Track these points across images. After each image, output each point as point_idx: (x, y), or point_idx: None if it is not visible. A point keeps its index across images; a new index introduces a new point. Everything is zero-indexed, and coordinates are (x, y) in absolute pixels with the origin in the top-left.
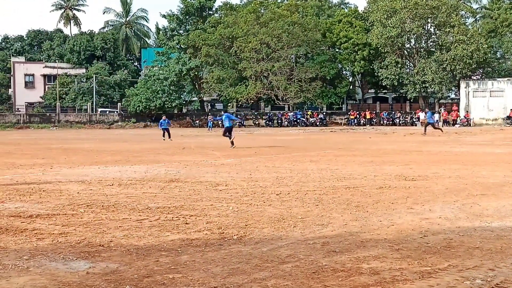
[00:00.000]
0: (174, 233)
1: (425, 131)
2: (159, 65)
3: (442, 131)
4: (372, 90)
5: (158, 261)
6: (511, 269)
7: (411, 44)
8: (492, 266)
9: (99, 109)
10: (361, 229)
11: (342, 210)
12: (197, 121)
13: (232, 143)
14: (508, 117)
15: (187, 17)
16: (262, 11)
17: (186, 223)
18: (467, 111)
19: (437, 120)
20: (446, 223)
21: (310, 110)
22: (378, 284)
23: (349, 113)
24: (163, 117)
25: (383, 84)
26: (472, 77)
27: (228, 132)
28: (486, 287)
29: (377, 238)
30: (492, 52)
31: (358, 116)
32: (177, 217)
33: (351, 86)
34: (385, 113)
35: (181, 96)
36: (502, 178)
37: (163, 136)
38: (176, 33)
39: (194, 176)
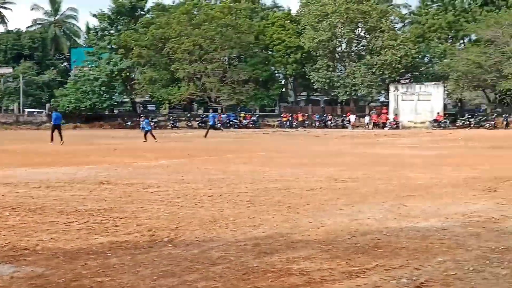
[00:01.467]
0: (103, 236)
1: (146, 138)
2: (90, 66)
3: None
4: (305, 93)
5: (86, 264)
6: (435, 268)
7: (342, 48)
8: (417, 265)
9: (27, 110)
10: (292, 230)
11: (274, 211)
12: (128, 123)
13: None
14: (435, 120)
15: (118, 17)
16: (195, 12)
17: (116, 226)
18: (396, 114)
19: (367, 123)
20: (374, 223)
21: (243, 112)
22: (307, 285)
23: (281, 115)
24: (143, 117)
25: (315, 87)
26: (400, 81)
27: (215, 128)
28: (411, 286)
29: (308, 239)
30: (420, 57)
31: (290, 118)
32: (106, 219)
33: (283, 89)
34: (317, 115)
35: (112, 97)
36: (428, 179)
37: (145, 137)
38: (107, 33)
39: (125, 178)
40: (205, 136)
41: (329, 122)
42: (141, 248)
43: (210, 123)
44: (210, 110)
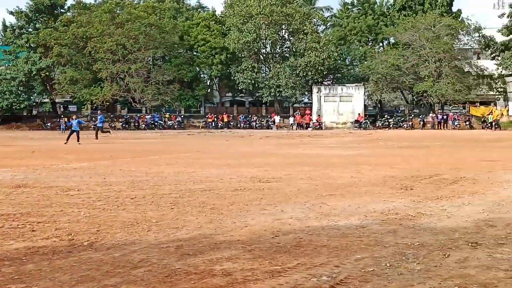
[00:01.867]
0: (19, 241)
1: (96, 137)
2: (6, 65)
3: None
4: (230, 94)
5: (0, 271)
6: (354, 265)
7: (267, 50)
8: (337, 263)
9: None
10: (215, 231)
11: (197, 212)
12: (48, 124)
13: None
14: (356, 121)
15: (37, 14)
16: (118, 11)
17: (33, 231)
18: (319, 115)
19: (291, 124)
20: (296, 223)
21: (168, 113)
22: (230, 285)
23: (207, 116)
24: (73, 117)
25: (240, 88)
26: (323, 82)
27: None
28: (331, 283)
29: (231, 240)
30: (341, 59)
31: (215, 119)
32: (23, 224)
33: (208, 90)
34: (242, 116)
35: (31, 97)
36: (349, 179)
37: (68, 139)
38: (25, 31)
39: (43, 181)
40: (96, 138)
41: (254, 123)
42: (59, 253)
43: (99, 125)
44: (99, 112)
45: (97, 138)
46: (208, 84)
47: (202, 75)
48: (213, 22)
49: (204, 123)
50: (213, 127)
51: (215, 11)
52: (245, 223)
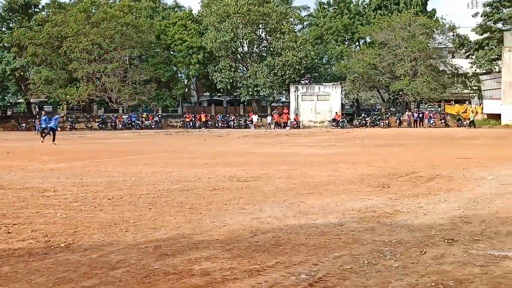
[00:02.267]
0: None
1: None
2: None
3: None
4: (207, 93)
5: None
6: (333, 263)
7: (244, 49)
8: (316, 261)
9: None
10: (194, 231)
11: (176, 212)
12: (23, 124)
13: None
14: (334, 120)
15: (11, 14)
16: (93, 10)
17: (8, 232)
18: (297, 114)
19: (269, 123)
20: (275, 221)
21: (145, 113)
22: (209, 285)
23: (184, 115)
24: (43, 113)
25: (218, 87)
26: (301, 81)
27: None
28: (310, 281)
29: (209, 239)
30: (318, 58)
31: (193, 119)
32: None
33: (186, 89)
34: (220, 115)
35: (5, 97)
36: (327, 177)
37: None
38: None
39: (19, 182)
40: (42, 141)
41: (232, 122)
42: (35, 255)
43: (43, 125)
44: (43, 112)
45: (43, 139)
46: (186, 83)
47: (179, 75)
48: (190, 22)
49: (181, 122)
50: (190, 127)
51: (192, 10)
52: (223, 222)
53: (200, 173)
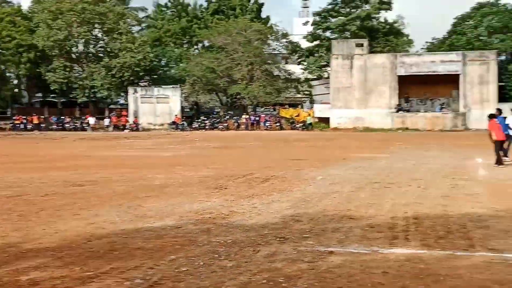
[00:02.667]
0: None
1: None
2: None
3: None
4: (40, 94)
5: None
6: (168, 266)
7: (80, 49)
8: (152, 264)
9: None
10: (22, 239)
11: (3, 220)
12: None
13: None
14: (173, 122)
15: None
16: None
17: None
18: (136, 117)
19: (107, 125)
20: (111, 226)
21: None
22: None
23: (14, 117)
24: None
25: (52, 88)
26: (139, 83)
27: None
28: (145, 285)
29: (39, 248)
30: (157, 60)
31: (25, 121)
32: None
33: (16, 89)
34: (54, 117)
35: None
36: (165, 179)
37: None
38: None
39: None
40: None
41: (67, 125)
42: None
43: None
44: None
45: None
46: (16, 83)
47: (8, 74)
48: (19, 18)
49: (11, 125)
50: (21, 129)
51: (21, 6)
52: (55, 229)
53: (31, 178)
